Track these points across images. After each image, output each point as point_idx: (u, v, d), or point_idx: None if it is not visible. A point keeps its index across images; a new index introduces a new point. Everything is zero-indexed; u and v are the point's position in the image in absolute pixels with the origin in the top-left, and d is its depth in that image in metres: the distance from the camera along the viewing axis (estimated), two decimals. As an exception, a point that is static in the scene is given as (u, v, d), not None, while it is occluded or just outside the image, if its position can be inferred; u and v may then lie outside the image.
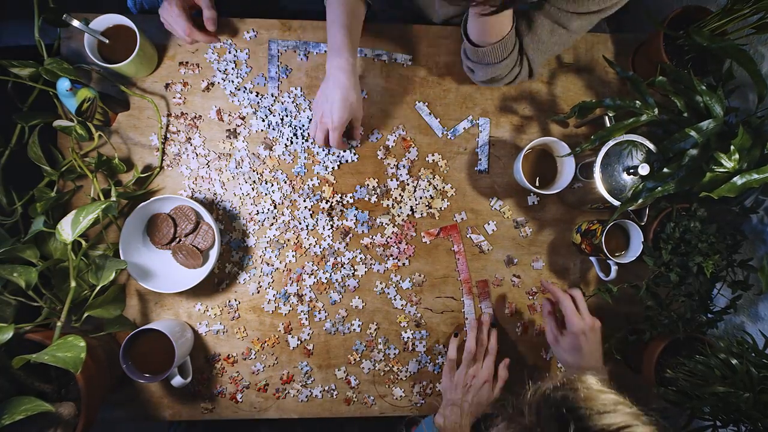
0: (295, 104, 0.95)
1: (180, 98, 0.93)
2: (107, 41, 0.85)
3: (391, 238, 0.94)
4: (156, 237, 0.88)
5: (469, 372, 0.84)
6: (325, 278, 0.93)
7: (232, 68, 0.94)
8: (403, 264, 0.95)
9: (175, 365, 0.80)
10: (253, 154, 0.93)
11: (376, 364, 0.93)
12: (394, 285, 0.94)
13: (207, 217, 0.86)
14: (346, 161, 0.95)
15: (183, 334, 0.86)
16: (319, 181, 0.94)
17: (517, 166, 0.91)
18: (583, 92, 1.00)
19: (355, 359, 0.93)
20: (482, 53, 0.82)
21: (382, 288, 0.94)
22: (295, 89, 0.95)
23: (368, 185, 0.95)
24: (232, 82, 0.94)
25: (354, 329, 0.93)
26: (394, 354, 0.94)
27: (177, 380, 0.82)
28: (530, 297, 0.97)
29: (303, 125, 0.94)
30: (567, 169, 0.90)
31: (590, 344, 0.81)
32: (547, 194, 0.90)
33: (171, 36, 0.93)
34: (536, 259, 0.97)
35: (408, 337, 0.94)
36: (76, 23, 0.80)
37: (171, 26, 0.88)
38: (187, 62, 0.94)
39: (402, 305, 0.94)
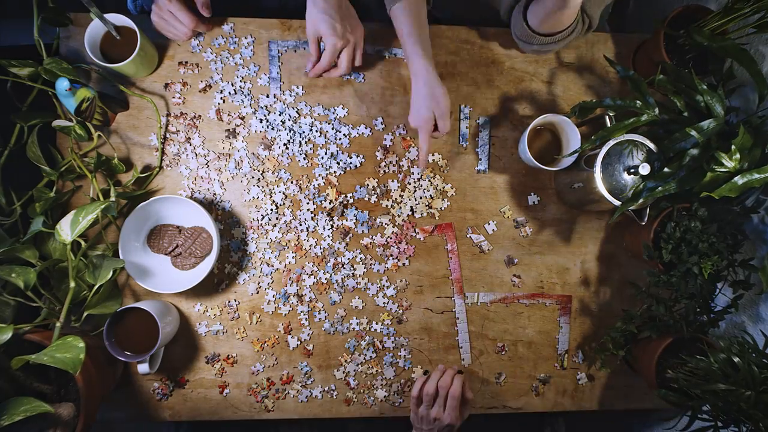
0: (295, 105, 0.94)
1: (179, 98, 0.93)
2: (118, 37, 0.85)
3: (391, 238, 0.94)
4: (156, 246, 0.88)
5: (431, 414, 0.84)
6: (325, 279, 0.93)
7: (232, 68, 0.94)
8: (403, 264, 0.94)
9: (158, 345, 0.79)
10: (253, 154, 0.93)
11: (373, 367, 0.93)
12: (393, 285, 0.94)
13: (206, 217, 0.86)
14: (355, 166, 0.95)
15: (168, 315, 0.86)
16: (324, 182, 0.94)
17: (523, 145, 0.90)
18: (583, 92, 0.99)
19: (352, 359, 0.93)
20: (551, 40, 0.85)
21: (380, 287, 0.94)
22: (297, 88, 0.94)
23: (368, 185, 0.94)
24: (232, 82, 0.94)
25: (353, 328, 0.93)
26: (391, 354, 0.94)
27: (143, 367, 0.81)
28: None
29: (302, 129, 0.94)
30: (572, 146, 0.89)
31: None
32: (552, 170, 0.90)
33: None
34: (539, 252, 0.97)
35: (405, 338, 0.94)
36: (94, 11, 0.80)
37: (167, 27, 0.88)
38: (186, 62, 0.93)
39: (403, 305, 0.94)
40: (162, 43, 0.93)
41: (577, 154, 0.87)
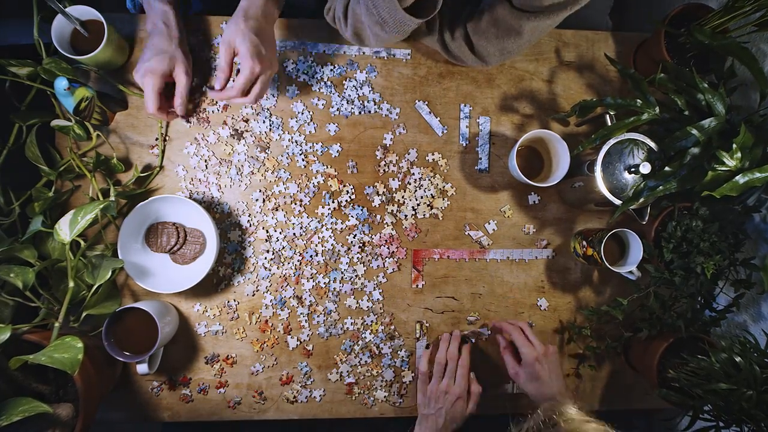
0: (296, 106, 0.94)
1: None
2: (86, 34, 0.83)
3: (391, 238, 0.94)
4: (155, 244, 0.88)
5: (441, 387, 0.84)
6: (324, 283, 0.93)
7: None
8: (403, 264, 0.94)
9: (157, 346, 0.79)
10: (252, 156, 0.93)
11: (372, 369, 0.93)
12: (393, 285, 0.94)
13: (206, 217, 0.85)
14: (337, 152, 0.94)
15: (167, 315, 0.85)
16: (324, 178, 0.94)
17: (512, 162, 0.89)
18: (583, 91, 0.99)
19: (351, 359, 0.92)
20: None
21: (378, 287, 0.93)
22: (294, 87, 0.94)
23: (368, 185, 0.94)
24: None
25: (347, 328, 0.93)
26: (389, 354, 0.93)
27: (142, 367, 0.81)
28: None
29: (301, 128, 0.94)
30: (562, 163, 0.88)
31: (547, 371, 0.82)
32: (542, 187, 0.90)
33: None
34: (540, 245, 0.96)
35: (404, 338, 0.94)
36: (56, 8, 0.76)
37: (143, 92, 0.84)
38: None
39: (404, 305, 0.94)
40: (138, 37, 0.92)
41: (564, 173, 0.86)
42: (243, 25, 0.76)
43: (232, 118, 0.93)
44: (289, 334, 0.92)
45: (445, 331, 0.94)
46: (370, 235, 0.94)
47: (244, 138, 0.93)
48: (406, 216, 0.94)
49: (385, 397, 0.93)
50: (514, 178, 0.95)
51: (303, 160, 0.93)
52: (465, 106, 0.97)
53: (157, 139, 0.91)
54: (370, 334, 0.93)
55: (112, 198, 0.84)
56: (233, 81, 0.83)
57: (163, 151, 0.91)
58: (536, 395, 0.82)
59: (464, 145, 0.97)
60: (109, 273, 0.79)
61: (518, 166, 0.88)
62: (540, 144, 0.94)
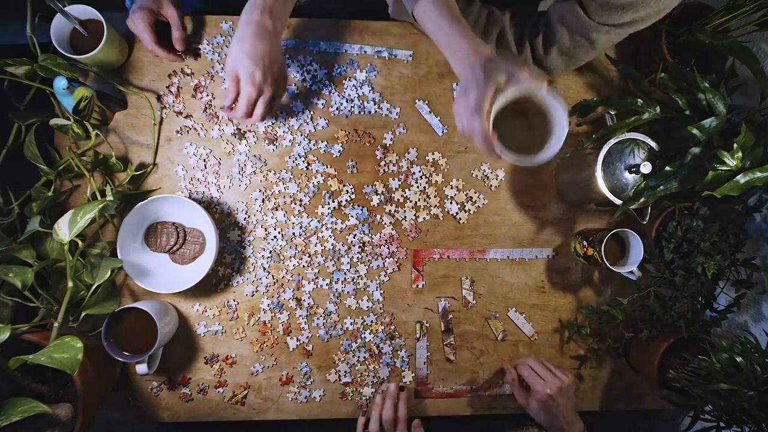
0: (295, 105, 0.94)
1: (180, 98, 0.92)
2: (85, 33, 0.84)
3: (391, 237, 0.94)
4: (154, 244, 0.88)
5: None
6: (326, 284, 0.92)
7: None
8: (402, 264, 0.94)
9: (157, 346, 0.79)
10: (254, 155, 0.93)
11: (372, 365, 0.93)
12: (393, 285, 0.94)
13: (205, 217, 0.85)
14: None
15: (167, 315, 0.85)
16: (324, 177, 0.93)
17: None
18: (584, 90, 0.99)
19: (349, 358, 0.92)
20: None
21: (380, 287, 0.93)
22: (293, 87, 0.94)
23: (368, 185, 0.94)
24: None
25: (347, 328, 0.92)
26: (389, 354, 0.93)
27: (142, 367, 0.81)
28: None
29: (302, 128, 0.94)
30: (557, 132, 0.68)
31: (558, 406, 0.82)
32: (532, 165, 0.67)
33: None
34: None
35: (403, 338, 0.94)
36: (55, 6, 0.77)
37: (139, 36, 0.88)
38: (186, 63, 0.93)
39: (404, 306, 0.94)
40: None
41: (562, 142, 0.66)
42: (237, 49, 0.74)
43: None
44: (289, 335, 0.92)
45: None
46: (370, 235, 0.93)
47: (246, 137, 0.93)
48: (405, 216, 0.94)
49: (372, 393, 0.92)
50: (515, 178, 0.95)
51: (303, 160, 0.93)
52: (457, 85, 0.96)
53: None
54: (369, 334, 0.93)
55: (110, 197, 0.83)
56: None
57: (156, 149, 0.91)
58: (545, 424, 0.83)
59: (464, 145, 0.96)
60: (108, 273, 0.78)
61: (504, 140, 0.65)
62: (532, 109, 0.70)
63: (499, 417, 0.96)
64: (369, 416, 0.88)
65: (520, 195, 0.97)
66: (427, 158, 0.95)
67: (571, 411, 0.83)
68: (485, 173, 0.96)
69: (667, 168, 0.81)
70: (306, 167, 0.93)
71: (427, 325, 0.94)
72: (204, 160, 0.92)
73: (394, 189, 0.94)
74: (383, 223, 0.94)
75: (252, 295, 0.91)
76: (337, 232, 0.93)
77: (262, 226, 0.92)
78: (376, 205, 0.94)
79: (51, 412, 0.70)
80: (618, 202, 0.83)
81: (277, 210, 0.92)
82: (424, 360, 0.94)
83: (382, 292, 0.93)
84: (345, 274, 0.93)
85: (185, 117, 0.92)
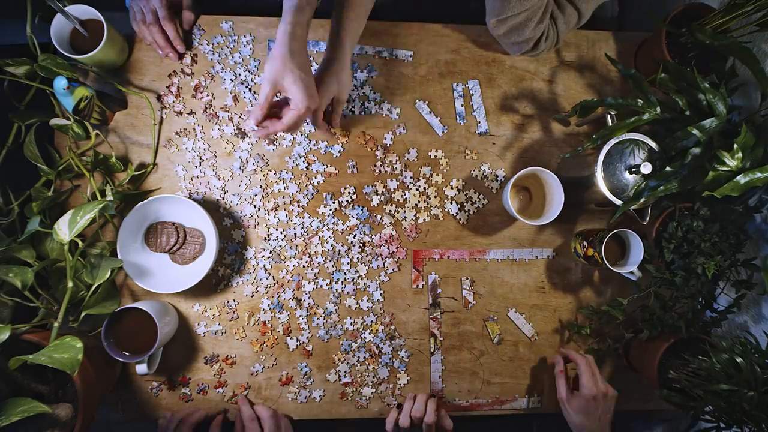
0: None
1: (180, 98, 0.92)
2: (86, 33, 0.83)
3: (391, 238, 0.94)
4: (154, 244, 0.88)
5: None
6: (326, 284, 0.92)
7: (231, 66, 0.93)
8: (402, 264, 0.94)
9: (157, 346, 0.79)
10: (258, 154, 0.93)
11: (372, 366, 0.93)
12: (393, 286, 0.94)
13: (205, 217, 0.85)
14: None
15: (167, 315, 0.85)
16: (324, 177, 0.93)
17: (506, 196, 0.90)
18: (584, 91, 0.99)
19: (349, 358, 0.92)
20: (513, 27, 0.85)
21: (381, 287, 0.93)
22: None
23: (369, 186, 0.94)
24: (232, 80, 0.93)
25: (347, 328, 0.92)
26: (390, 355, 0.93)
27: (141, 368, 0.81)
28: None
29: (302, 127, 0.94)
30: (556, 200, 0.86)
31: (600, 411, 0.82)
32: (535, 225, 0.90)
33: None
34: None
35: (403, 338, 0.94)
36: (56, 6, 0.77)
37: (147, 41, 0.90)
38: (186, 61, 0.93)
39: (404, 306, 0.94)
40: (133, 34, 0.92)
41: (558, 212, 0.85)
42: (289, 63, 0.69)
43: (239, 117, 0.93)
44: (289, 335, 0.92)
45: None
46: (370, 236, 0.93)
47: (248, 136, 0.93)
48: (405, 216, 0.94)
49: (372, 393, 0.92)
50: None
51: (303, 160, 0.93)
52: (457, 85, 0.96)
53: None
54: (369, 334, 0.93)
55: (109, 197, 0.83)
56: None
57: (156, 148, 0.91)
58: (577, 424, 0.83)
59: (462, 123, 0.96)
60: (108, 273, 0.78)
61: (513, 202, 0.87)
62: (533, 180, 0.92)
63: (489, 416, 0.96)
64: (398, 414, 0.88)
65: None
66: (427, 158, 0.95)
67: (607, 422, 0.83)
68: (485, 173, 0.96)
69: (668, 168, 0.81)
70: (306, 167, 0.93)
71: (441, 339, 0.94)
72: (204, 160, 0.92)
73: (393, 189, 0.94)
74: (383, 223, 0.94)
75: (252, 296, 0.91)
76: (337, 233, 0.93)
77: (264, 225, 0.92)
78: (376, 205, 0.94)
79: (51, 412, 0.70)
80: (618, 202, 0.83)
81: (277, 210, 0.92)
82: (439, 374, 0.94)
83: (382, 292, 0.93)
84: (345, 274, 0.93)
85: (186, 115, 0.92)
